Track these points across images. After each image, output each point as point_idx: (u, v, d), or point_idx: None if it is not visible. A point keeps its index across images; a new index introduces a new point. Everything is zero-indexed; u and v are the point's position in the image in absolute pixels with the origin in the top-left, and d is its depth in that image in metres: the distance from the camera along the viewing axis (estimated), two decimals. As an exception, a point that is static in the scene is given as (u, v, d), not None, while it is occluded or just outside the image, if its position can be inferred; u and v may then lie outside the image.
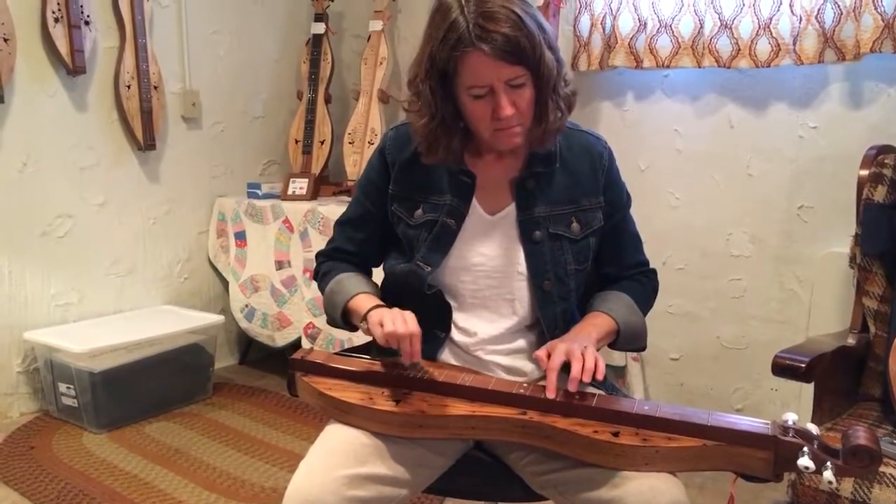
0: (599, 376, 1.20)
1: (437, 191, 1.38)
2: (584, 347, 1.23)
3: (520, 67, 1.21)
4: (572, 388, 1.18)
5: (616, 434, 1.13)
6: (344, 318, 1.42)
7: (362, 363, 1.33)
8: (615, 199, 1.43)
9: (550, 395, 1.18)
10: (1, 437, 2.66)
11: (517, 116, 1.25)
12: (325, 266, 1.51)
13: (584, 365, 1.19)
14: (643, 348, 1.45)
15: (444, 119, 1.28)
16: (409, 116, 1.33)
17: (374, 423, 1.23)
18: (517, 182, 1.37)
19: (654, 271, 1.50)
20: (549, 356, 1.23)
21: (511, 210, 1.37)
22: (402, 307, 1.40)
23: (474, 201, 1.38)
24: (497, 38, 1.18)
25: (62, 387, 2.75)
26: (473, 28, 1.18)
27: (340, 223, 1.52)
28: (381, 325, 1.24)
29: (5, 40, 2.59)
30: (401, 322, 1.23)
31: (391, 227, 1.45)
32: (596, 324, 1.35)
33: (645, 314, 1.43)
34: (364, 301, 1.36)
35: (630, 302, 1.41)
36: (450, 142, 1.31)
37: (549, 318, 1.38)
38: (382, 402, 1.24)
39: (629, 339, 1.39)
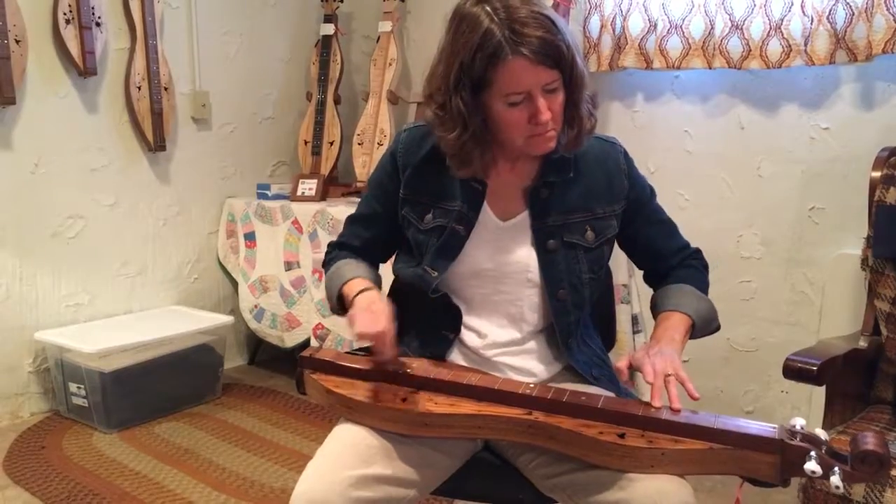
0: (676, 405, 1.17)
1: (447, 196, 1.38)
2: (675, 369, 1.21)
3: (556, 71, 1.21)
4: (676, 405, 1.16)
5: (622, 435, 1.12)
6: (341, 305, 1.43)
7: (370, 361, 1.33)
8: (640, 194, 1.43)
9: (657, 403, 1.16)
10: (12, 436, 2.68)
11: (553, 121, 1.25)
12: (331, 255, 1.54)
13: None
14: (718, 328, 1.43)
15: (475, 131, 1.27)
16: (436, 131, 1.31)
17: (380, 420, 1.23)
18: (531, 190, 1.37)
19: (698, 251, 1.50)
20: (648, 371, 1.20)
21: (524, 217, 1.37)
22: (410, 309, 1.42)
23: (487, 207, 1.37)
24: (535, 43, 1.18)
25: (73, 387, 2.76)
26: (510, 35, 1.18)
27: (351, 218, 1.54)
28: (353, 324, 1.25)
29: (17, 42, 2.61)
30: (370, 322, 1.24)
31: (399, 228, 1.46)
32: (674, 326, 1.33)
33: (706, 293, 1.43)
34: (353, 287, 1.38)
35: (692, 290, 1.40)
36: (483, 153, 1.30)
37: (563, 327, 1.38)
38: (389, 399, 1.24)
39: (704, 326, 1.38)
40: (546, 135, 1.26)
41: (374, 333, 1.23)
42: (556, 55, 1.19)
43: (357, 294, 1.34)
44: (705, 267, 1.49)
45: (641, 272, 1.53)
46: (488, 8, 1.21)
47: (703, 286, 1.44)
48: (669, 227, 1.48)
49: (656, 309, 1.41)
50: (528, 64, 1.19)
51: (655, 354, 1.24)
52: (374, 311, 1.26)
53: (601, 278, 1.42)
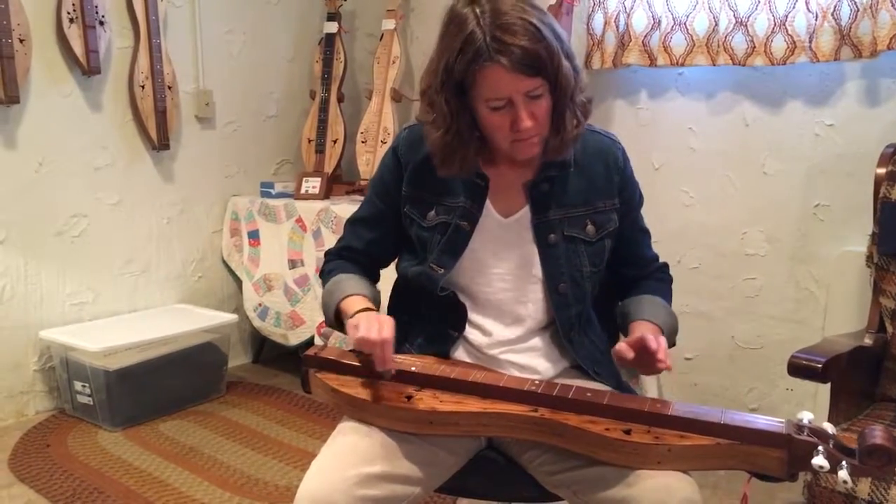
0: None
1: (450, 193, 1.38)
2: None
3: (538, 79, 1.20)
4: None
5: (628, 432, 1.12)
6: (337, 319, 1.41)
7: (364, 370, 1.33)
8: (629, 199, 1.43)
9: (664, 357, 1.18)
10: (17, 434, 2.68)
11: (535, 127, 1.24)
12: (330, 265, 1.50)
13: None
14: (674, 344, 1.44)
15: (460, 131, 1.27)
16: (424, 128, 1.32)
17: (385, 419, 1.23)
18: (531, 185, 1.37)
19: (667, 265, 1.52)
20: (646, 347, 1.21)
21: (525, 213, 1.37)
22: (416, 308, 1.42)
23: (488, 204, 1.37)
24: (515, 52, 1.16)
25: (77, 385, 2.77)
26: (491, 41, 1.17)
27: (351, 222, 1.52)
28: (357, 329, 1.22)
29: (21, 41, 2.61)
30: (375, 329, 1.21)
31: (403, 228, 1.45)
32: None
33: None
34: (354, 303, 1.35)
35: (665, 304, 1.43)
36: (466, 154, 1.30)
37: (564, 321, 1.37)
38: (394, 398, 1.23)
39: (668, 341, 1.37)
40: (529, 140, 1.26)
41: (378, 340, 1.20)
42: (536, 64, 1.18)
43: (359, 311, 1.31)
44: (671, 282, 1.51)
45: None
46: (477, 10, 1.20)
47: (671, 301, 1.46)
48: (648, 237, 1.50)
49: (631, 316, 1.41)
50: (505, 72, 1.18)
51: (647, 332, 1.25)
52: (378, 320, 1.23)
53: (602, 272, 1.42)
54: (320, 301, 1.50)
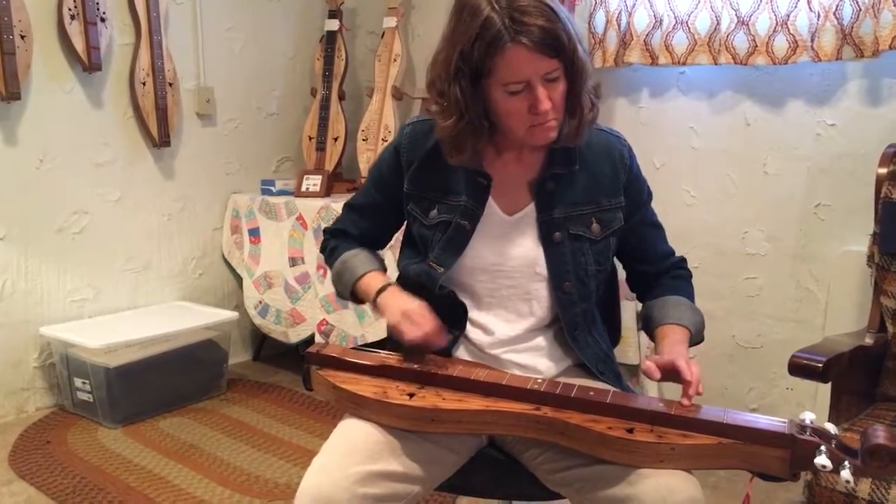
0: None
1: (453, 191, 1.38)
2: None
3: (556, 60, 1.21)
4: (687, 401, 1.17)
5: (630, 430, 1.12)
6: (353, 296, 1.47)
7: (377, 357, 1.34)
8: (637, 196, 1.42)
9: (687, 401, 1.17)
10: (17, 431, 2.68)
11: (553, 110, 1.24)
12: (332, 243, 1.54)
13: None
14: (703, 340, 1.44)
15: (472, 119, 1.27)
16: (434, 118, 1.32)
17: (387, 416, 1.23)
18: (536, 183, 1.36)
19: (684, 259, 1.51)
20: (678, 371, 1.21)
21: (530, 211, 1.37)
22: None
23: (492, 202, 1.37)
24: (535, 31, 1.17)
25: (78, 382, 2.77)
26: (510, 23, 1.18)
27: (348, 206, 1.55)
28: (400, 330, 1.29)
29: (22, 37, 2.61)
30: (415, 328, 1.28)
31: (400, 219, 1.47)
32: (681, 341, 1.33)
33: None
34: (370, 282, 1.41)
35: (688, 303, 1.42)
36: (477, 142, 1.30)
37: (569, 319, 1.37)
38: (396, 395, 1.23)
39: (696, 338, 1.39)
40: (546, 124, 1.26)
41: (425, 335, 1.28)
42: (556, 44, 1.19)
43: (378, 294, 1.38)
44: (691, 276, 1.50)
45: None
46: None
47: (693, 298, 1.46)
48: (661, 232, 1.49)
49: (656, 320, 1.40)
50: (527, 52, 1.18)
51: (681, 356, 1.24)
52: (411, 317, 1.29)
53: (607, 270, 1.42)
54: (328, 287, 1.53)
